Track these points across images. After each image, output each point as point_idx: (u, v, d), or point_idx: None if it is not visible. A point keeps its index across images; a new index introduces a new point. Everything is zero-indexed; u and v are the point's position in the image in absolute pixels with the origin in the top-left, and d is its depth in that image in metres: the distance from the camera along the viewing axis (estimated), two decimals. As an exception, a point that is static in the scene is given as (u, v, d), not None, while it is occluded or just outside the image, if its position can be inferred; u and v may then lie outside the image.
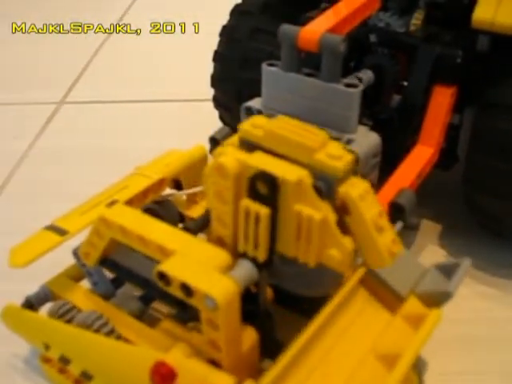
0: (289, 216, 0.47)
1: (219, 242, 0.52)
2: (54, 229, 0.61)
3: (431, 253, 0.75)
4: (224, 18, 0.89)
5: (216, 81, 0.88)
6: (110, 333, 0.56)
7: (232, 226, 0.50)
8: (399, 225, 0.60)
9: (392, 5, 0.72)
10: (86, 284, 0.64)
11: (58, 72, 1.30)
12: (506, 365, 0.63)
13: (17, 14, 1.59)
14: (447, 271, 0.54)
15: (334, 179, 0.47)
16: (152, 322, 0.58)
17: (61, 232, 0.60)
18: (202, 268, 0.48)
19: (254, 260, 0.49)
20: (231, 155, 0.49)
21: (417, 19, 0.72)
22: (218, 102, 0.90)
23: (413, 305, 0.53)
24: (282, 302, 0.58)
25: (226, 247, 0.51)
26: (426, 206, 0.79)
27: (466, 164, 0.70)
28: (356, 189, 0.48)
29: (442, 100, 0.68)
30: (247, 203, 0.48)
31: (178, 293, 0.47)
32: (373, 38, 0.72)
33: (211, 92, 0.91)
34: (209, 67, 0.89)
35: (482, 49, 0.70)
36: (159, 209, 0.69)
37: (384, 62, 0.72)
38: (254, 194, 0.47)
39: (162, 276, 0.48)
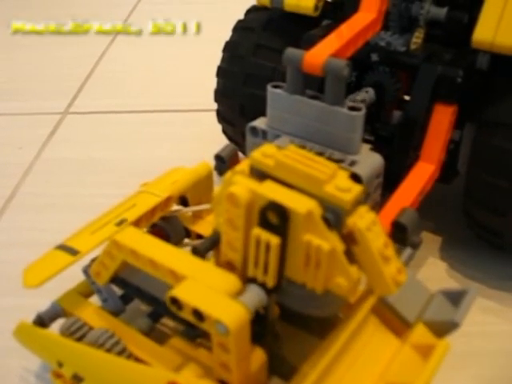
0: (298, 245, 0.49)
1: (228, 265, 0.53)
2: (65, 248, 0.62)
3: (432, 266, 0.77)
4: (228, 24, 0.90)
5: (219, 96, 0.89)
6: (122, 352, 0.57)
7: (242, 252, 0.51)
8: (407, 252, 0.61)
9: (392, 24, 0.73)
10: (95, 300, 0.65)
11: (60, 81, 1.31)
12: (508, 380, 0.64)
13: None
14: (453, 299, 0.56)
15: (342, 211, 0.49)
16: (161, 338, 0.60)
17: (72, 252, 0.61)
18: (213, 293, 0.49)
19: (262, 285, 0.51)
20: (242, 184, 0.50)
21: (417, 38, 0.73)
22: (221, 116, 0.91)
23: (421, 333, 0.54)
24: (288, 320, 0.60)
25: (235, 271, 0.52)
26: (427, 218, 0.79)
27: (466, 180, 0.71)
28: (364, 220, 0.49)
29: (442, 118, 0.70)
30: (258, 232, 0.49)
31: (189, 317, 0.49)
32: (374, 56, 0.74)
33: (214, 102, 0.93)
34: (212, 76, 0.90)
35: (481, 67, 0.72)
36: (166, 224, 0.71)
37: (385, 80, 0.74)
38: (265, 224, 0.49)
39: (174, 301, 0.49)
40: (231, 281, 0.51)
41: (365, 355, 0.54)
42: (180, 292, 0.49)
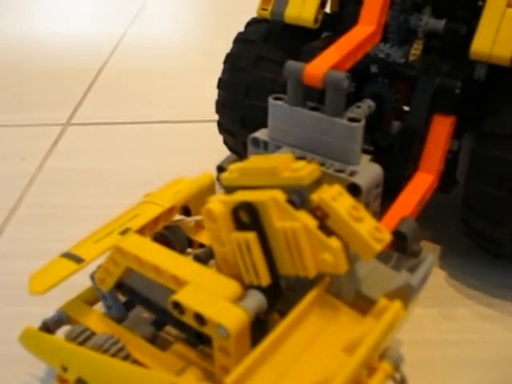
0: (275, 235, 0.51)
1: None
2: (70, 256, 0.63)
3: (431, 274, 0.77)
4: (229, 35, 0.92)
5: (220, 107, 0.91)
6: (127, 357, 0.58)
7: (235, 264, 0.53)
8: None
9: (391, 36, 0.75)
10: (99, 307, 0.66)
11: (62, 92, 1.33)
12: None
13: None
14: (413, 269, 0.57)
15: (303, 188, 0.51)
16: (164, 345, 0.61)
17: (77, 260, 0.62)
18: (214, 298, 0.51)
19: (263, 290, 0.52)
20: (216, 200, 0.54)
21: (416, 49, 0.75)
22: (222, 127, 0.93)
23: (381, 304, 0.55)
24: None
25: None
26: (426, 227, 0.81)
27: (465, 189, 0.72)
28: (328, 193, 0.52)
29: (441, 129, 0.71)
30: (235, 235, 0.52)
31: (191, 321, 0.50)
32: (374, 68, 0.75)
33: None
34: (213, 87, 0.92)
35: (479, 77, 0.73)
36: (169, 234, 0.72)
37: (384, 91, 0.75)
38: (240, 225, 0.52)
39: (177, 305, 0.51)
40: (232, 286, 0.52)
41: (326, 332, 0.53)
42: (182, 296, 0.51)
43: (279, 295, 0.53)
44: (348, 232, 0.51)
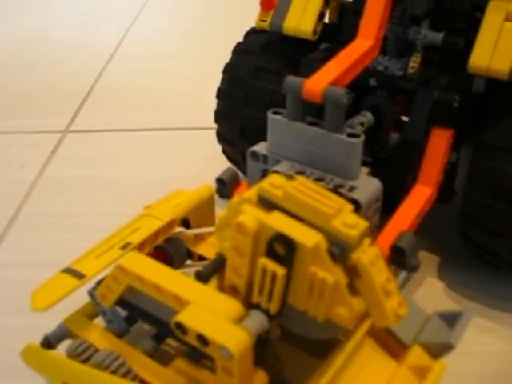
0: (303, 275, 0.51)
1: (232, 289, 0.55)
2: (71, 272, 0.63)
3: (430, 285, 0.78)
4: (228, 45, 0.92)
5: (219, 117, 0.91)
6: (127, 373, 0.58)
7: (246, 278, 0.53)
8: (403, 275, 0.62)
9: (390, 48, 0.75)
10: (100, 321, 0.66)
11: (60, 99, 1.33)
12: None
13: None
14: (449, 320, 0.57)
15: (347, 246, 0.51)
16: (165, 359, 0.61)
17: (78, 276, 0.62)
18: (217, 319, 0.51)
19: (265, 311, 0.52)
20: (250, 213, 0.52)
21: (414, 62, 0.75)
22: (221, 136, 0.93)
23: (417, 355, 0.56)
24: (289, 340, 0.61)
25: (239, 295, 0.54)
26: (425, 238, 0.81)
27: (463, 201, 0.73)
28: (367, 255, 0.51)
29: (439, 142, 0.71)
30: (265, 261, 0.51)
31: (194, 342, 0.50)
32: (372, 81, 0.75)
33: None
34: (213, 95, 0.92)
35: (477, 90, 0.73)
36: (168, 246, 0.72)
37: (382, 104, 0.75)
38: (272, 254, 0.51)
39: (179, 326, 0.51)
40: (234, 306, 0.52)
41: (362, 377, 0.55)
42: (185, 317, 0.51)
43: (280, 316, 0.53)
44: (375, 302, 0.51)
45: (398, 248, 0.62)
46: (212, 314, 0.51)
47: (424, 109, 0.71)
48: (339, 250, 0.50)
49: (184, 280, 0.56)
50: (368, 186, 0.63)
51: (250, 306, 0.53)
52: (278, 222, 0.51)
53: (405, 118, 0.79)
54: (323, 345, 0.58)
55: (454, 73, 0.74)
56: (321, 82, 0.63)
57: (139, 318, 0.64)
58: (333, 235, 0.51)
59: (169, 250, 0.72)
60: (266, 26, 0.84)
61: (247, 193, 0.56)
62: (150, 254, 0.70)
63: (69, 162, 1.10)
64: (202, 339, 0.50)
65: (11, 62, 1.53)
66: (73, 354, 0.61)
